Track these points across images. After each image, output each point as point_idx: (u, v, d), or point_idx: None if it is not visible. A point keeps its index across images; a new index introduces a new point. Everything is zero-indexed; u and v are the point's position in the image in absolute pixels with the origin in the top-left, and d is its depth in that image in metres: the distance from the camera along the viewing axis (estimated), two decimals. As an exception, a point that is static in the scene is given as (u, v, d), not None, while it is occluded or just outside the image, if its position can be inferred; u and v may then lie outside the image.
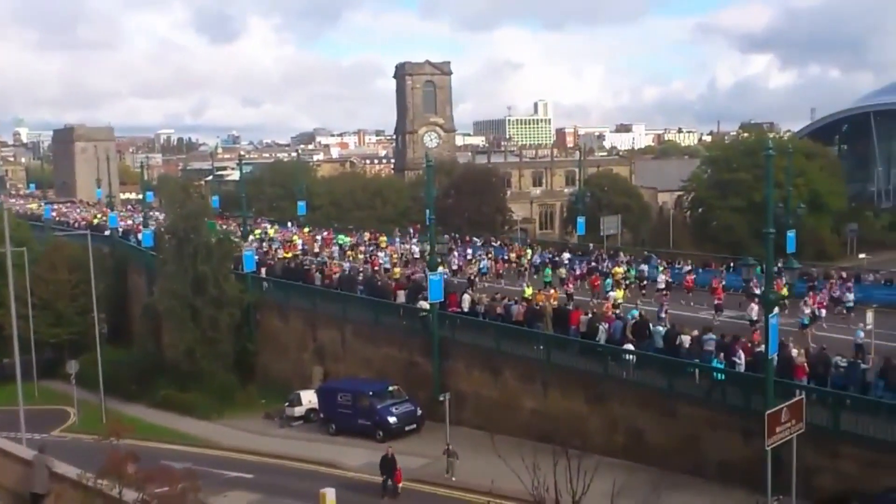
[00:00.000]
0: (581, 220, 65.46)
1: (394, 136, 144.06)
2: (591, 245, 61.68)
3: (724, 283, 42.43)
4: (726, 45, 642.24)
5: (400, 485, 28.90)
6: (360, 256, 57.44)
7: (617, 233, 77.18)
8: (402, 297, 41.87)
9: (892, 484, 22.84)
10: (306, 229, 71.94)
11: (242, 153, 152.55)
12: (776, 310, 26.68)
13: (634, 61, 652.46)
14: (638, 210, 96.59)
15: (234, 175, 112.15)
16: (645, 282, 46.16)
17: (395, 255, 55.35)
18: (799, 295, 38.00)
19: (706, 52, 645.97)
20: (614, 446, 30.03)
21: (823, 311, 37.27)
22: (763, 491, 23.54)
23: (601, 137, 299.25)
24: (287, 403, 40.64)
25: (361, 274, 47.97)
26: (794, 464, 23.73)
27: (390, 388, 37.21)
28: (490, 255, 54.79)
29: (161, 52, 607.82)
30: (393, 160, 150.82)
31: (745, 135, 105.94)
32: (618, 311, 35.64)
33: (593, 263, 50.01)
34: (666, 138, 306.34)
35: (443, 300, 37.52)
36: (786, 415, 23.49)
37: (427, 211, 41.55)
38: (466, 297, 39.75)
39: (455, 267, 52.05)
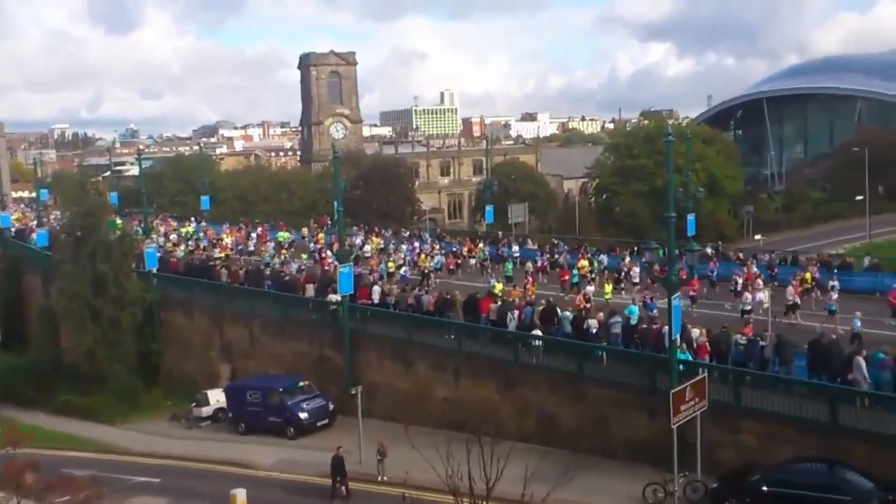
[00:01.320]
0: (489, 208, 65.80)
1: (299, 128, 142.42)
2: (499, 233, 62.14)
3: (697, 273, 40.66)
4: (627, 34, 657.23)
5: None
6: (305, 256, 54.45)
7: (525, 220, 78.04)
8: (310, 290, 41.49)
9: (789, 455, 23.67)
10: (240, 227, 69.04)
11: (142, 147, 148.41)
12: (679, 292, 27.35)
13: (539, 50, 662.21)
14: (544, 197, 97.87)
15: (134, 170, 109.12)
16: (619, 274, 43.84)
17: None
18: (783, 282, 37.60)
19: (608, 41, 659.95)
20: (526, 431, 30.36)
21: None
22: (669, 468, 24.18)
23: (507, 126, 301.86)
24: (194, 404, 39.74)
25: (269, 269, 47.17)
26: (699, 440, 24.48)
27: (301, 384, 36.77)
28: (440, 250, 53.03)
29: (54, 44, 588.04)
30: (299, 152, 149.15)
31: (646, 122, 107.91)
32: (589, 306, 34.83)
33: (556, 257, 48.32)
34: (570, 126, 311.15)
35: (353, 292, 37.24)
36: (689, 393, 24.17)
37: (335, 203, 41.13)
38: (376, 289, 39.64)
39: (409, 261, 50.03)
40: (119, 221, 56.50)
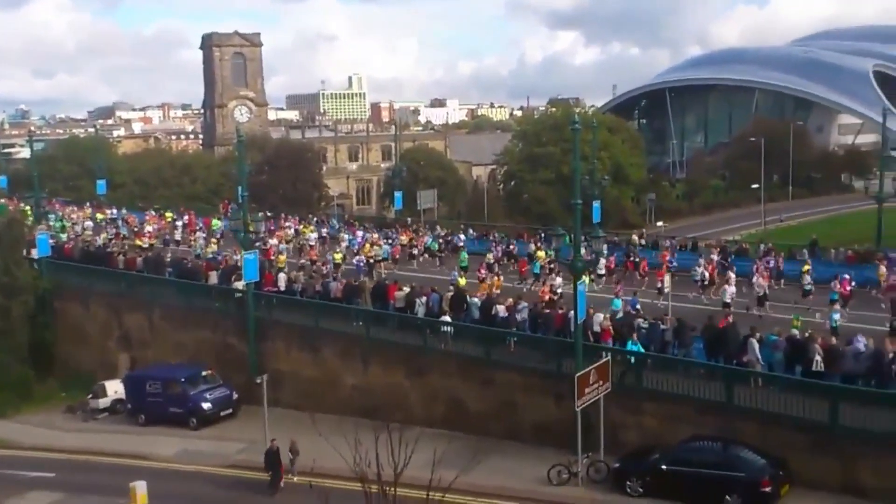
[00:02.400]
0: (398, 194, 65.75)
1: (202, 111, 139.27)
2: (409, 219, 62.11)
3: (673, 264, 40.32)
4: (536, 22, 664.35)
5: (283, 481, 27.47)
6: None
7: (434, 207, 78.24)
8: (214, 278, 40.71)
9: (687, 434, 24.40)
10: (168, 214, 65.76)
11: (33, 129, 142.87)
12: (585, 277, 27.81)
13: (449, 36, 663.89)
14: (453, 184, 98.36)
15: (25, 153, 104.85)
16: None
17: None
18: (743, 274, 37.18)
19: (517, 28, 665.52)
20: (435, 417, 30.46)
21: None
22: (574, 449, 24.67)
23: (416, 112, 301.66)
24: (90, 395, 38.47)
25: (170, 255, 45.95)
26: (602, 422, 25.02)
27: (203, 373, 35.99)
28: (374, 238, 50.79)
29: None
30: (201, 135, 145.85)
31: (554, 110, 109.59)
32: (557, 297, 34.02)
33: (511, 247, 46.86)
34: (479, 113, 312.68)
35: (258, 279, 36.67)
36: (594, 376, 24.69)
37: (239, 188, 40.35)
38: (282, 276, 39.19)
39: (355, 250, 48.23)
40: (10, 207, 54.20)
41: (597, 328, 28.87)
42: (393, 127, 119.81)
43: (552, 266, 39.37)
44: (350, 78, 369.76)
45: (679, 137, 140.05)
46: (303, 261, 45.76)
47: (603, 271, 39.92)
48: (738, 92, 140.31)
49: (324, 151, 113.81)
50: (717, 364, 26.52)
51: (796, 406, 23.55)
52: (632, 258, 41.85)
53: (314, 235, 53.35)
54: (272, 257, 45.72)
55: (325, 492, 21.13)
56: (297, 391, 34.56)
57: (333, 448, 18.83)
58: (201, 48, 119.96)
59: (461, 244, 48.69)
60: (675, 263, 39.97)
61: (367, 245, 48.03)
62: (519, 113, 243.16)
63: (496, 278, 37.85)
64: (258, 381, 30.24)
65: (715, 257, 40.48)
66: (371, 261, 44.78)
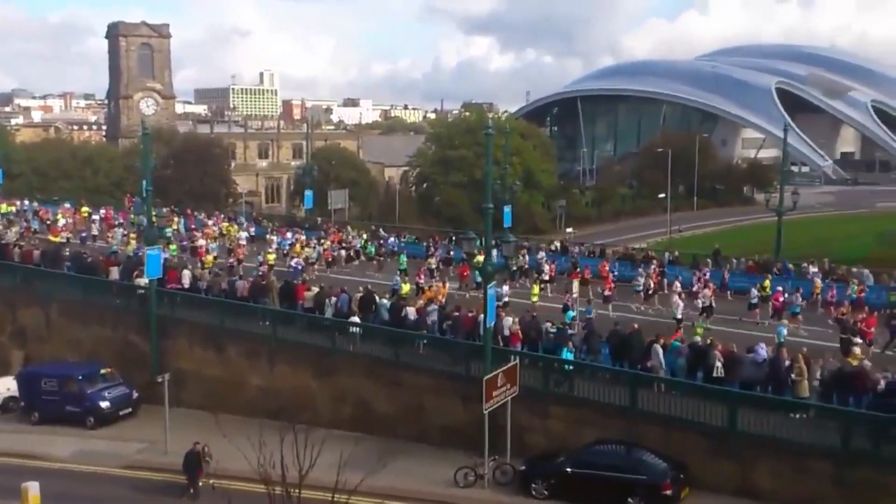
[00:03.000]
0: (309, 193, 65.02)
1: (106, 101, 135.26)
2: (318, 219, 61.52)
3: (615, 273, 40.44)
4: (452, 26, 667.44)
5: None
6: (173, 247, 46.93)
7: (345, 207, 77.77)
8: (115, 273, 39.51)
9: (592, 438, 24.76)
10: (85, 209, 62.49)
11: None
12: (494, 281, 27.95)
13: (364, 36, 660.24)
14: (365, 184, 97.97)
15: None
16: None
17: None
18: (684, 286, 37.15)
19: (433, 32, 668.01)
20: (342, 418, 30.16)
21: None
22: (481, 452, 24.74)
23: (329, 111, 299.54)
24: (-20, 393, 36.83)
25: (68, 249, 44.28)
26: (509, 425, 25.17)
27: (102, 371, 34.76)
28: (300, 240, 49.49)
29: None
30: (105, 127, 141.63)
31: (467, 114, 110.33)
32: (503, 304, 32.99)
33: (450, 253, 45.78)
34: (393, 114, 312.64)
35: (161, 276, 35.71)
36: (501, 380, 24.81)
37: (143, 182, 39.20)
38: (187, 273, 38.28)
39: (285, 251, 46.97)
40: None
41: (506, 332, 29.04)
42: (305, 125, 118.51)
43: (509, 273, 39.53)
44: (262, 74, 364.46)
45: (589, 145, 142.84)
46: (231, 261, 44.24)
47: (546, 277, 39.56)
48: (648, 103, 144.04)
49: (233, 147, 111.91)
50: (623, 369, 27.02)
51: (697, 411, 24.12)
52: (578, 267, 41.28)
53: (244, 235, 51.77)
54: (203, 257, 44.38)
55: (227, 494, 20.71)
56: (200, 391, 33.75)
57: (237, 449, 18.41)
58: (107, 37, 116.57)
59: (395, 248, 47.70)
60: (616, 272, 40.02)
61: (298, 246, 46.94)
62: (433, 116, 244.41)
63: (442, 286, 36.80)
64: (159, 380, 29.45)
65: (654, 268, 40.28)
66: (307, 263, 43.68)
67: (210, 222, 57.50)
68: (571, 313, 31.60)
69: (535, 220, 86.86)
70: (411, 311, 31.57)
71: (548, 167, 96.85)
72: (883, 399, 22.84)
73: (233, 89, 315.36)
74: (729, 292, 38.18)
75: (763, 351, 25.47)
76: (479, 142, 78.00)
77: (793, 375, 24.24)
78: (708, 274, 38.87)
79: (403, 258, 43.37)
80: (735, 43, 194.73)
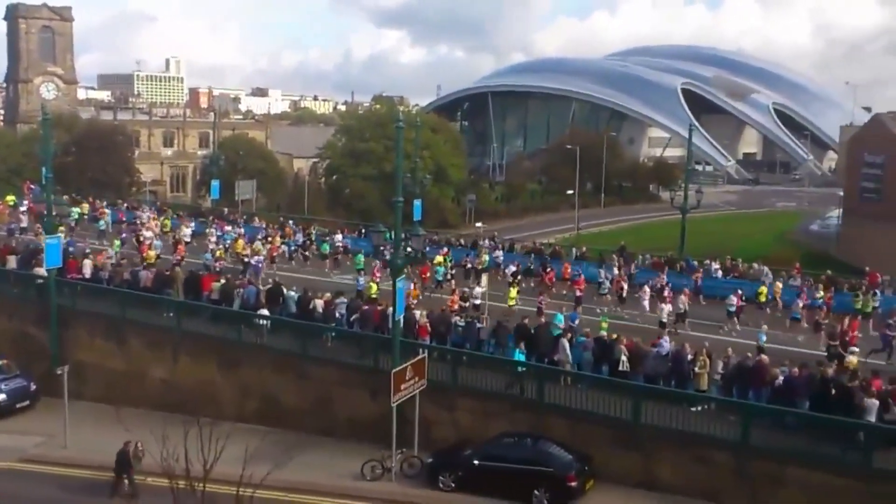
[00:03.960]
0: (215, 183, 63.77)
1: (4, 85, 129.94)
2: (225, 209, 60.35)
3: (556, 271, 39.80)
4: (364, 18, 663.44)
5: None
6: (118, 242, 44.30)
7: (252, 198, 76.53)
8: (12, 262, 38.01)
9: (499, 430, 24.97)
10: (10, 197, 58.35)
11: None
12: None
13: (274, 25, 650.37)
14: (273, 175, 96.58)
15: None
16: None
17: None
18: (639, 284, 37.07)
19: (344, 23, 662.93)
20: (248, 412, 29.70)
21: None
22: (389, 445, 24.70)
23: (237, 100, 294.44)
24: None
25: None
26: (417, 418, 25.20)
27: (-2, 363, 33.48)
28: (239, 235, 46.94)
29: None
30: (2, 111, 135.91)
31: (378, 106, 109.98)
32: (466, 305, 32.82)
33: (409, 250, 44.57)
34: (302, 105, 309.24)
35: (61, 266, 34.49)
36: (410, 372, 24.82)
37: (43, 169, 37.76)
38: (88, 263, 37.13)
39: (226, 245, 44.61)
40: None
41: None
42: (212, 114, 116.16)
43: (454, 273, 39.20)
44: (168, 61, 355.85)
45: (499, 141, 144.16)
46: (177, 257, 41.51)
47: (511, 279, 38.13)
48: (557, 100, 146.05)
49: (137, 135, 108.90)
50: (530, 362, 27.31)
51: (602, 404, 24.58)
52: (548, 268, 40.45)
53: (189, 231, 48.42)
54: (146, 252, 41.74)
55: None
56: (101, 383, 32.81)
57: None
58: (5, 19, 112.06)
59: (340, 244, 45.74)
60: (579, 273, 38.92)
61: (239, 242, 44.50)
62: (343, 107, 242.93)
63: (413, 287, 34.45)
64: (58, 372, 28.48)
65: (616, 269, 39.33)
66: (245, 259, 41.25)
67: (146, 216, 54.12)
68: (560, 317, 30.08)
69: (444, 214, 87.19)
70: (319, 304, 31.35)
71: (458, 161, 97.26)
72: (781, 392, 23.70)
73: (138, 75, 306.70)
74: (701, 297, 37.32)
75: (667, 345, 26.12)
76: (389, 135, 77.80)
77: (695, 369, 24.95)
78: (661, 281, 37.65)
79: (360, 257, 41.31)
80: (644, 43, 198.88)
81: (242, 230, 49.55)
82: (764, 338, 29.09)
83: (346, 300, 31.62)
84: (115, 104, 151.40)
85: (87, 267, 36.76)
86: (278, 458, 24.64)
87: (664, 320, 32.34)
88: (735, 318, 33.53)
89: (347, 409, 28.39)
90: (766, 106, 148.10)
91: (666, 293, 34.85)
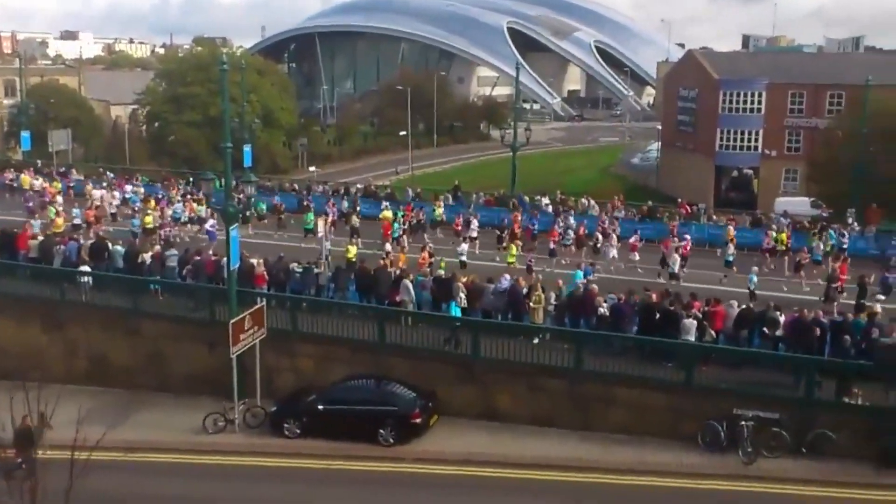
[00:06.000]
0: (26, 134, 59.87)
1: None
2: (38, 162, 56.65)
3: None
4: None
5: None
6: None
7: (68, 148, 72.26)
8: None
9: (341, 374, 25.00)
10: None
11: None
12: (236, 223, 27.05)
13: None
14: (89, 124, 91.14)
15: None
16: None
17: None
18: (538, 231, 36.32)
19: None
20: (77, 373, 28.46)
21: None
22: (230, 397, 24.28)
23: (45, 45, 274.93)
24: None
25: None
26: (259, 367, 24.83)
27: None
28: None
29: None
30: None
31: (199, 49, 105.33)
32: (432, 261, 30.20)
33: (357, 208, 40.93)
34: (117, 48, 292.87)
35: None
36: (248, 322, 24.36)
37: None
38: None
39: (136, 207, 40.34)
40: None
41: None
42: (17, 60, 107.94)
43: (405, 228, 36.77)
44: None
45: (329, 83, 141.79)
46: (99, 229, 37.10)
47: (475, 233, 36.20)
48: (386, 40, 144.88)
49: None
50: (371, 305, 27.40)
51: (443, 341, 25.02)
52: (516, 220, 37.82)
53: (98, 193, 43.59)
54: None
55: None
56: None
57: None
58: None
59: (276, 201, 41.85)
60: (536, 226, 37.48)
61: (152, 202, 40.48)
62: (161, 51, 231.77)
63: (423, 253, 31.22)
64: None
65: (573, 219, 37.50)
66: (147, 226, 37.13)
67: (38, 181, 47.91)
68: (580, 273, 28.60)
69: (276, 160, 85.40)
70: (148, 257, 30.18)
71: (287, 105, 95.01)
72: (608, 319, 24.85)
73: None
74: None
75: (506, 281, 26.75)
76: (213, 78, 74.79)
77: (530, 303, 25.72)
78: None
79: (310, 216, 37.63)
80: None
81: (143, 189, 45.65)
82: (755, 279, 29.31)
83: (177, 252, 30.54)
84: None
85: None
86: (113, 418, 23.83)
87: (676, 271, 31.07)
88: (680, 268, 31.92)
89: (184, 363, 27.62)
90: (588, 44, 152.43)
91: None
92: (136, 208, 40.62)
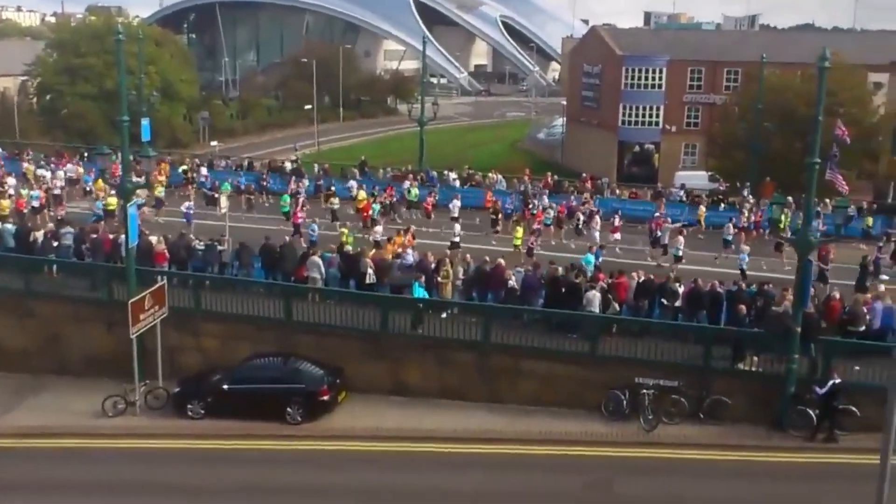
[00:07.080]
0: None
1: None
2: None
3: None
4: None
5: None
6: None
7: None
8: None
9: (247, 353, 24.57)
10: None
11: None
12: (136, 197, 26.28)
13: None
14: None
15: None
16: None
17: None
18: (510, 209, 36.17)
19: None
20: (-35, 358, 27.19)
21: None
22: (131, 378, 23.62)
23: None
24: None
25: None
26: (159, 347, 24.19)
27: None
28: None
29: None
30: None
31: (93, 18, 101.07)
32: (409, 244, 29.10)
33: (331, 188, 39.40)
34: (3, 17, 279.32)
35: None
36: (149, 301, 23.68)
37: None
38: None
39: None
40: None
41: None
42: None
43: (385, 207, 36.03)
44: None
45: (231, 55, 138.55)
46: (59, 212, 35.20)
47: (456, 213, 35.72)
48: (290, 12, 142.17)
49: None
50: (276, 282, 26.97)
51: (351, 317, 24.84)
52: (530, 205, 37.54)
53: (45, 174, 40.97)
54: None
55: None
56: None
57: None
58: None
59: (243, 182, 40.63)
60: (509, 207, 37.25)
61: (99, 182, 37.59)
62: (52, 19, 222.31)
63: (408, 235, 30.23)
64: None
65: (546, 199, 37.64)
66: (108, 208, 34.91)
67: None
68: (590, 257, 27.89)
69: (176, 133, 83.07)
70: (39, 236, 29.02)
71: (188, 77, 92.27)
72: (516, 292, 25.05)
73: None
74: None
75: (411, 257, 26.65)
76: (108, 49, 71.86)
77: (439, 278, 25.72)
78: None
79: (286, 198, 36.89)
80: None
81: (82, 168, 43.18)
82: (746, 258, 29.74)
83: (72, 230, 29.42)
84: None
85: None
86: (6, 402, 22.92)
87: (679, 254, 31.01)
88: (666, 250, 32.29)
89: (82, 345, 26.74)
90: (494, 19, 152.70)
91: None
92: (87, 189, 39.39)
